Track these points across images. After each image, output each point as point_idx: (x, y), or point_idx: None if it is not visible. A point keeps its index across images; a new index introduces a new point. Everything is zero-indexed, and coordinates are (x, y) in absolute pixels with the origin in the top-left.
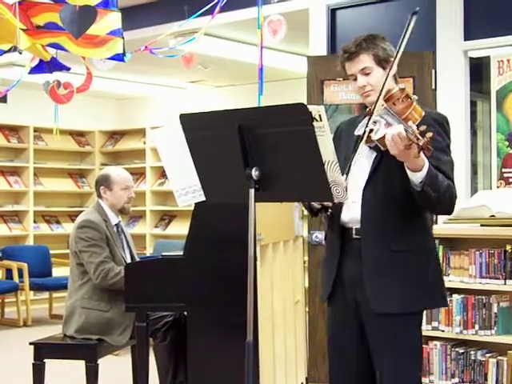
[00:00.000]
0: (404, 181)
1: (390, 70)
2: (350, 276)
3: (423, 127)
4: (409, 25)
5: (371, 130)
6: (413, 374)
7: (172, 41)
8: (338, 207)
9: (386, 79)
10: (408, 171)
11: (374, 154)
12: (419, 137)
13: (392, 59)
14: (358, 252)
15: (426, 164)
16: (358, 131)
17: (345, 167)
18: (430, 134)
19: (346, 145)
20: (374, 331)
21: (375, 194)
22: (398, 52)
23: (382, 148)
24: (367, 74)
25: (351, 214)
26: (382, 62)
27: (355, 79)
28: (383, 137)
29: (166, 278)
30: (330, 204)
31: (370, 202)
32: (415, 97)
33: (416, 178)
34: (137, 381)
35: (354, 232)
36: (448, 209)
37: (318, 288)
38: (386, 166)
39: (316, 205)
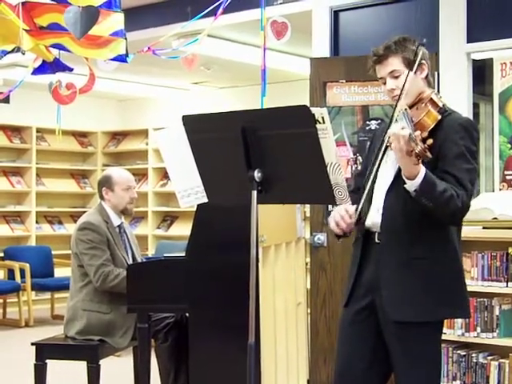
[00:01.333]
0: None
1: (410, 71)
2: (369, 280)
3: (425, 134)
4: (416, 55)
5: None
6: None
7: (175, 42)
8: (366, 212)
9: (405, 81)
10: (404, 179)
11: None
12: (418, 142)
13: (423, 61)
14: (378, 257)
15: (421, 173)
16: (384, 136)
17: (371, 171)
18: (429, 141)
19: (377, 149)
20: (390, 339)
21: (397, 200)
22: (415, 58)
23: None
24: (396, 77)
25: (374, 218)
26: (412, 65)
27: (385, 83)
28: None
29: (167, 279)
30: (348, 230)
31: (392, 207)
32: (443, 101)
33: (409, 186)
34: (138, 382)
35: (376, 237)
36: (451, 219)
37: (321, 290)
38: None
39: (336, 229)
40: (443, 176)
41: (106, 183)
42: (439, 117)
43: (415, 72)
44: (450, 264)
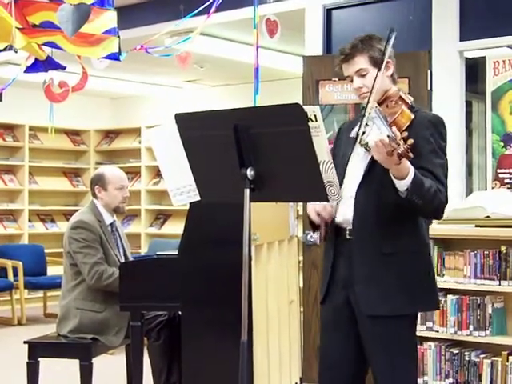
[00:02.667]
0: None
1: (379, 71)
2: (342, 277)
3: (405, 133)
4: (388, 42)
5: (363, 133)
6: (407, 377)
7: (168, 40)
8: (335, 208)
9: (375, 81)
10: (393, 178)
11: (369, 156)
12: (400, 143)
13: (389, 60)
14: (350, 253)
15: (411, 172)
16: (352, 132)
17: (342, 168)
18: (410, 141)
19: (345, 145)
20: (366, 333)
21: (368, 196)
22: (383, 57)
23: (370, 152)
24: (363, 76)
25: (344, 214)
26: (378, 63)
27: (352, 81)
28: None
29: (160, 278)
30: (330, 220)
31: (363, 203)
32: (411, 98)
33: (400, 185)
34: (131, 380)
35: (347, 232)
36: (435, 214)
37: (314, 288)
38: (380, 168)
39: (317, 219)
40: (420, 172)
41: (98, 181)
42: (413, 116)
43: (380, 70)
44: (421, 258)
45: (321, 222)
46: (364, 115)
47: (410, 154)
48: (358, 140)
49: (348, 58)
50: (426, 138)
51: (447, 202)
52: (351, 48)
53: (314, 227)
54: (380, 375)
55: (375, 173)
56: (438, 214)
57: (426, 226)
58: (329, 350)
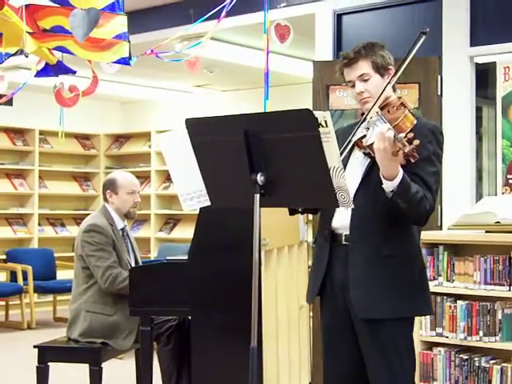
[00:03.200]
0: None
1: (393, 77)
2: (339, 281)
3: (411, 134)
4: (416, 43)
5: (364, 136)
6: (403, 381)
7: (178, 45)
8: (330, 212)
9: (386, 87)
10: (382, 178)
11: (368, 161)
12: (406, 144)
13: (390, 67)
14: (346, 258)
15: (400, 174)
16: (353, 137)
17: None
18: (416, 142)
19: (343, 148)
20: (362, 335)
21: (366, 201)
22: (401, 64)
23: (372, 154)
24: (365, 81)
25: (342, 220)
26: (380, 69)
27: (353, 86)
28: (374, 143)
29: (170, 282)
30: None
31: (360, 208)
32: (411, 105)
33: (387, 186)
34: None
35: (343, 238)
36: (418, 220)
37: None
38: (378, 173)
39: None
40: (411, 177)
41: (110, 186)
42: (415, 121)
43: (382, 76)
44: (415, 262)
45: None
46: (365, 119)
47: (416, 155)
48: (358, 144)
49: (351, 62)
50: (423, 145)
51: (433, 210)
52: (355, 53)
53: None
54: (376, 378)
55: (373, 177)
56: (421, 220)
57: (419, 231)
58: (332, 351)
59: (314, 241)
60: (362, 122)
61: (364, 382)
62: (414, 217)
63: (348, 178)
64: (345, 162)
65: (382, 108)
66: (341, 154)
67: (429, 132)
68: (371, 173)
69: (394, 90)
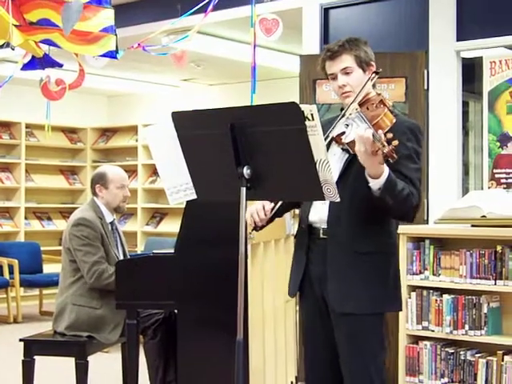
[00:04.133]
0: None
1: (375, 73)
2: (317, 275)
3: (390, 135)
4: (368, 81)
5: (343, 133)
6: (372, 374)
7: (164, 38)
8: (308, 206)
9: (366, 82)
10: (367, 177)
11: (346, 156)
12: (385, 144)
13: (372, 63)
14: (324, 252)
15: (386, 172)
16: (331, 132)
17: None
18: (395, 142)
19: None
20: (337, 329)
21: (343, 196)
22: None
23: (352, 151)
24: (348, 74)
25: (319, 214)
26: (363, 63)
27: (334, 78)
28: (353, 141)
29: (156, 276)
30: (260, 224)
31: (338, 202)
32: (390, 103)
33: (374, 184)
34: (127, 378)
35: (321, 232)
36: (406, 216)
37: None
38: (356, 169)
39: (248, 219)
40: (395, 175)
41: (100, 180)
42: (394, 119)
43: (364, 71)
44: (392, 259)
45: (251, 223)
46: (344, 115)
47: (395, 155)
48: (337, 140)
49: (335, 55)
50: (402, 143)
51: (419, 206)
52: (339, 46)
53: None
54: (346, 371)
55: (351, 173)
56: (408, 216)
57: (396, 227)
58: (312, 342)
59: (294, 235)
60: (341, 118)
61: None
62: (401, 213)
63: None
64: None
65: (361, 104)
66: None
67: (407, 130)
68: (349, 168)
69: (374, 86)
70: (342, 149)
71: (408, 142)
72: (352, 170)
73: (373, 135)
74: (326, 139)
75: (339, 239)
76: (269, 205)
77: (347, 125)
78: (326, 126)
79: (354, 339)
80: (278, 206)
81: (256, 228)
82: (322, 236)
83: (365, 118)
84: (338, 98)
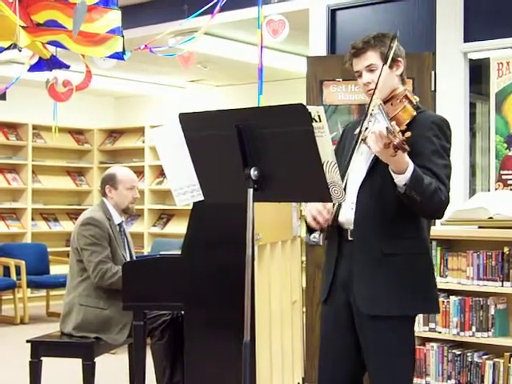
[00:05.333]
0: None
1: (384, 65)
2: (343, 277)
3: (404, 127)
4: (390, 48)
5: (366, 129)
6: (402, 378)
7: (171, 40)
8: (338, 208)
9: (380, 75)
10: (392, 173)
11: (372, 155)
12: (396, 135)
13: (400, 59)
14: (352, 253)
15: (411, 167)
16: (356, 130)
17: (345, 166)
18: (407, 134)
19: (350, 144)
20: (364, 333)
21: (371, 195)
22: (389, 53)
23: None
24: (372, 71)
25: (347, 215)
26: (388, 59)
27: (360, 76)
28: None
29: (163, 277)
30: (325, 225)
31: (365, 202)
32: (416, 98)
33: (399, 180)
34: (133, 379)
35: (349, 234)
36: (435, 213)
37: (317, 288)
38: (383, 168)
39: (313, 223)
40: (422, 171)
41: (110, 181)
42: (414, 113)
43: (391, 67)
44: (423, 260)
45: (316, 226)
46: (367, 113)
47: (406, 147)
48: (361, 137)
49: (359, 52)
50: (428, 138)
51: (448, 202)
52: (363, 43)
53: (311, 229)
54: (375, 375)
55: (378, 171)
56: (438, 212)
57: (428, 228)
58: (329, 348)
59: (325, 237)
60: (365, 116)
61: (357, 381)
62: (430, 210)
63: (353, 173)
64: (350, 157)
65: (388, 100)
66: (353, 149)
67: (434, 125)
68: (376, 167)
69: (403, 82)
70: (369, 146)
71: (434, 138)
72: (379, 168)
73: (387, 128)
74: (357, 140)
75: (365, 239)
76: (329, 203)
77: (370, 121)
78: (355, 125)
79: (381, 345)
80: (337, 205)
81: (322, 230)
82: (349, 238)
83: (384, 112)
84: (345, 99)
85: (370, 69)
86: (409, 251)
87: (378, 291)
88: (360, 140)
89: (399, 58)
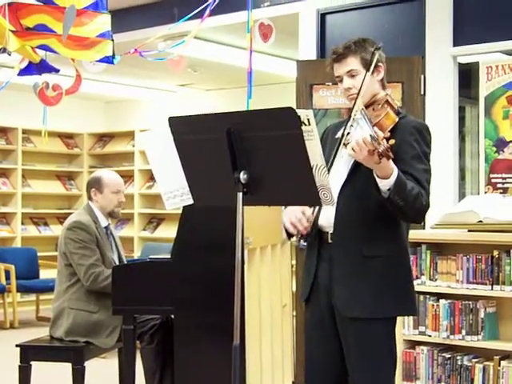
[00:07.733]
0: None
1: (367, 72)
2: (324, 280)
3: (387, 134)
4: (373, 55)
5: (348, 133)
6: (383, 379)
7: (161, 44)
8: (319, 209)
9: (363, 82)
10: (376, 178)
11: (353, 159)
12: (381, 142)
13: (380, 64)
14: (331, 256)
15: (395, 172)
16: (338, 134)
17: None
18: (391, 141)
19: (330, 147)
20: (345, 335)
21: (351, 199)
22: (372, 59)
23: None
24: (353, 77)
25: (327, 218)
26: (369, 65)
27: (341, 81)
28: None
29: (153, 281)
30: (304, 232)
31: (345, 206)
32: (397, 103)
33: (383, 185)
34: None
35: (329, 237)
36: (416, 217)
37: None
38: (364, 171)
39: (291, 229)
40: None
41: (95, 184)
42: (397, 119)
43: (372, 73)
44: (402, 262)
45: (294, 231)
46: (350, 117)
47: (390, 154)
48: (343, 141)
49: (340, 57)
50: (409, 143)
51: (429, 207)
52: (344, 48)
53: (290, 235)
54: (357, 377)
55: (358, 175)
56: (418, 217)
57: (407, 230)
58: (313, 350)
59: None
60: (348, 121)
61: (342, 382)
62: (411, 214)
63: (333, 177)
64: (331, 160)
65: (369, 105)
66: (335, 153)
67: (415, 130)
68: (356, 170)
69: (384, 87)
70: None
71: (415, 143)
72: (359, 172)
73: (370, 135)
74: (339, 144)
75: (346, 242)
76: (309, 210)
77: (352, 125)
78: (336, 129)
79: (362, 347)
80: (317, 209)
81: (302, 237)
82: (329, 241)
83: (367, 119)
84: (334, 103)
85: (351, 74)
86: (388, 253)
87: (359, 293)
88: (342, 144)
89: (380, 64)
